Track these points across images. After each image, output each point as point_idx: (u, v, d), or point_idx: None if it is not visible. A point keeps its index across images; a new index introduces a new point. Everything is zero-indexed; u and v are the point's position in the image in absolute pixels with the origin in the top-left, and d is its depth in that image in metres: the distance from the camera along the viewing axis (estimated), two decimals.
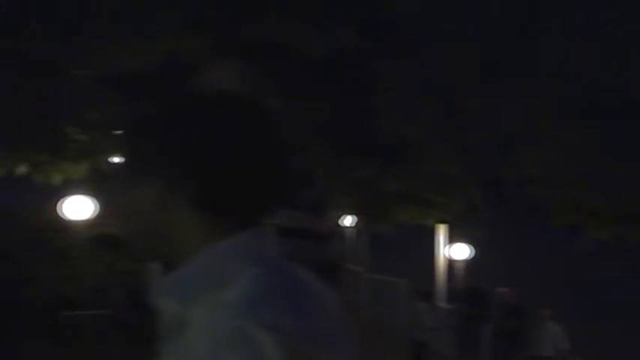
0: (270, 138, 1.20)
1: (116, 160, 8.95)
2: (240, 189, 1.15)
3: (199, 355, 1.05)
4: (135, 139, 1.19)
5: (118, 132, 8.46)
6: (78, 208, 12.24)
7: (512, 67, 10.31)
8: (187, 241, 1.15)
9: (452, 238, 16.67)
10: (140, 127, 1.19)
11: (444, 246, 16.58)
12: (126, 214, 1.23)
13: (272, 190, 1.20)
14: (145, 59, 8.34)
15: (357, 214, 20.44)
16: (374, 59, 11.26)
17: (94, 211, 12.41)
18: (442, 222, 15.99)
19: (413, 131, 11.95)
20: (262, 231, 1.18)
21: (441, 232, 16.44)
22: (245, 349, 1.01)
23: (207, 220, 1.14)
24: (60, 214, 12.41)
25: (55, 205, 12.37)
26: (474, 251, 17.11)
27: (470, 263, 17.30)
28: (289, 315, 1.05)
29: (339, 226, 23.83)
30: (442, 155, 12.32)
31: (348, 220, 24.44)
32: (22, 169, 8.07)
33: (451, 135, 11.76)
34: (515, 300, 13.40)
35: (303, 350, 1.03)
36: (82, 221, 12.45)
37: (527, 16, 10.36)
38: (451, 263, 16.99)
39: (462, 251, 16.98)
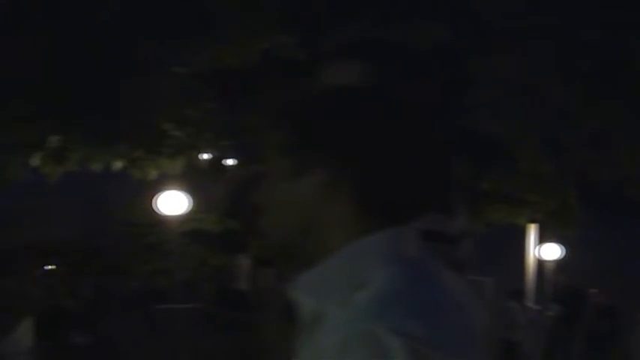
0: (436, 137, 1.17)
1: (208, 156, 9.07)
2: (404, 187, 1.13)
3: (328, 354, 1.03)
4: (303, 130, 1.15)
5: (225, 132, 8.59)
6: (172, 203, 12.48)
7: (608, 65, 10.05)
8: (333, 237, 1.12)
9: (542, 238, 16.34)
10: (309, 118, 1.15)
11: (535, 246, 16.27)
12: (271, 206, 1.20)
13: (432, 191, 1.18)
14: (241, 57, 8.43)
15: None
16: (468, 56, 11.15)
17: (188, 206, 12.63)
18: (533, 221, 15.68)
19: (507, 129, 11.78)
20: (405, 231, 1.15)
21: (532, 231, 16.13)
22: (372, 353, 0.99)
23: (361, 216, 1.11)
24: (154, 209, 12.67)
25: (150, 200, 12.64)
26: (564, 251, 16.74)
27: (560, 263, 16.94)
28: (421, 320, 1.02)
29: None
30: (536, 154, 12.09)
31: None
32: (118, 165, 8.22)
33: (545, 133, 11.54)
34: (607, 301, 13.07)
35: (432, 357, 1.00)
36: (176, 216, 12.68)
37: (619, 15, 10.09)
38: (541, 263, 16.66)
39: (552, 251, 16.62)
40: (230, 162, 15.95)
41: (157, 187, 11.86)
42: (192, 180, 12.39)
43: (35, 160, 7.97)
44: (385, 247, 1.11)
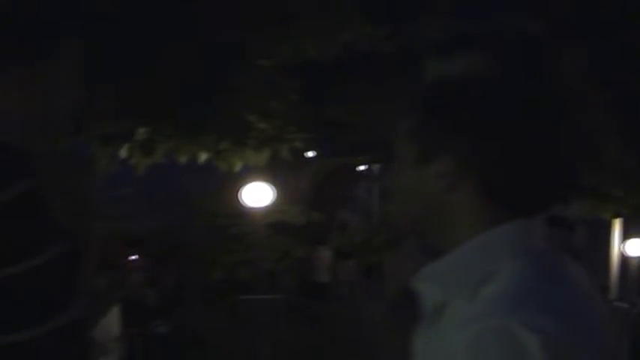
0: (566, 126, 1.13)
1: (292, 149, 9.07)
2: (535, 178, 1.10)
3: (453, 349, 1.02)
4: (433, 118, 1.13)
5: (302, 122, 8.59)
6: (257, 195, 12.57)
7: None
8: (460, 227, 1.11)
9: (627, 234, 15.91)
10: (440, 105, 1.13)
11: (620, 241, 15.84)
12: (397, 193, 1.21)
13: (562, 182, 1.13)
14: (325, 48, 8.40)
15: None
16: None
17: (272, 198, 12.71)
18: (618, 216, 15.26)
19: (591, 123, 11.43)
20: (532, 222, 1.12)
21: (617, 226, 15.71)
22: (507, 349, 0.97)
23: (488, 207, 1.09)
24: (239, 200, 12.80)
25: (235, 192, 12.78)
26: None
27: None
28: (554, 315, 1.00)
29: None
30: (622, 147, 11.71)
31: None
32: (203, 156, 8.28)
33: (631, 126, 11.17)
34: None
35: (566, 351, 0.98)
36: (260, 208, 12.77)
37: None
38: (625, 259, 16.23)
39: (637, 247, 16.16)
40: (313, 154, 15.99)
41: (242, 179, 11.96)
42: (276, 172, 12.46)
43: (123, 152, 8.09)
44: (513, 239, 1.09)
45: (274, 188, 12.69)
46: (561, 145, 1.12)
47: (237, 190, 12.73)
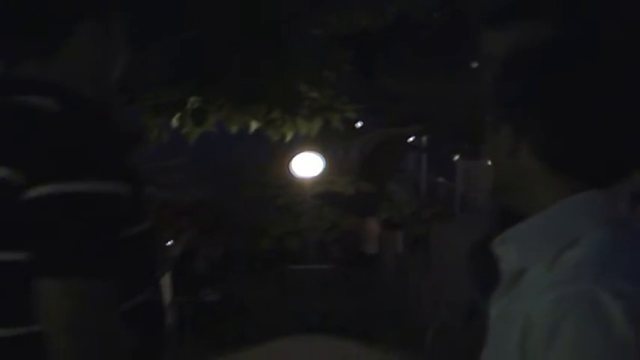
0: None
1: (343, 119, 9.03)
2: (597, 148, 1.09)
3: (532, 313, 1.02)
4: (499, 81, 1.16)
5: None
6: (307, 165, 12.55)
7: None
8: (533, 194, 1.13)
9: None
10: (501, 69, 1.16)
11: None
12: (488, 161, 1.23)
13: (634, 153, 1.13)
14: (377, 17, 8.34)
15: None
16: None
17: (322, 168, 12.68)
18: None
19: None
20: (612, 191, 1.12)
21: None
22: (589, 314, 0.97)
23: (553, 175, 1.11)
24: (289, 170, 12.80)
25: (284, 162, 12.78)
26: None
27: None
28: (636, 281, 1.00)
29: None
30: None
31: None
32: (254, 126, 8.28)
33: None
34: None
35: None
36: (310, 178, 12.75)
37: None
38: None
39: None
40: (363, 125, 15.91)
41: (292, 149, 11.95)
42: (326, 142, 12.40)
43: (174, 122, 8.13)
44: (594, 207, 1.10)
45: (324, 158, 12.66)
46: (628, 111, 1.09)
47: (287, 160, 12.72)
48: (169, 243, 13.59)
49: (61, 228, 1.28)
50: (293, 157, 12.63)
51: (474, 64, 10.11)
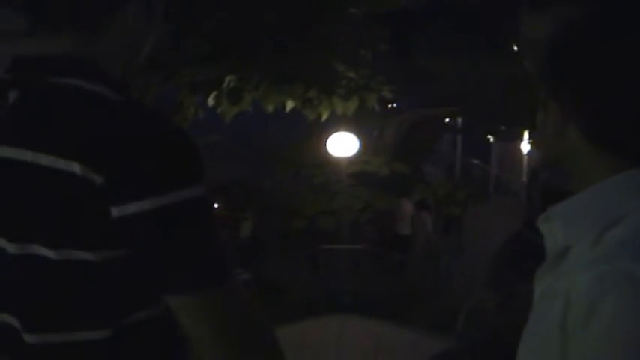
0: None
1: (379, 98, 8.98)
2: None
3: (573, 290, 0.99)
4: (545, 59, 1.13)
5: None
6: (342, 144, 12.53)
7: None
8: (579, 172, 1.11)
9: None
10: (547, 49, 1.12)
11: None
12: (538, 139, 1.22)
13: None
14: None
15: None
16: None
17: (357, 148, 12.65)
18: None
19: None
20: None
21: None
22: (628, 292, 0.95)
23: (599, 153, 1.08)
24: (324, 150, 12.78)
25: (320, 141, 12.75)
26: None
27: None
28: None
29: None
30: None
31: None
32: (290, 105, 8.26)
33: None
34: None
35: None
36: (345, 158, 12.73)
37: None
38: None
39: None
40: (399, 105, 15.84)
41: (327, 128, 11.93)
42: (362, 122, 12.37)
43: (210, 100, 8.13)
44: (639, 187, 1.07)
45: (359, 139, 12.62)
46: None
47: (323, 140, 12.70)
48: None
49: (204, 238, 1.24)
50: (328, 136, 12.60)
51: (513, 46, 9.99)
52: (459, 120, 19.54)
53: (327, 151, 12.79)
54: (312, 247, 12.86)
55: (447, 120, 18.95)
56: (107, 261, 1.20)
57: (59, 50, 1.28)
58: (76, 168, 1.15)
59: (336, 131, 12.34)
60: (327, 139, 12.57)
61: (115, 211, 1.16)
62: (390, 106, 15.39)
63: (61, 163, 1.16)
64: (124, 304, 1.27)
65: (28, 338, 1.26)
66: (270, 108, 8.33)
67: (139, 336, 1.29)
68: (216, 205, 14.47)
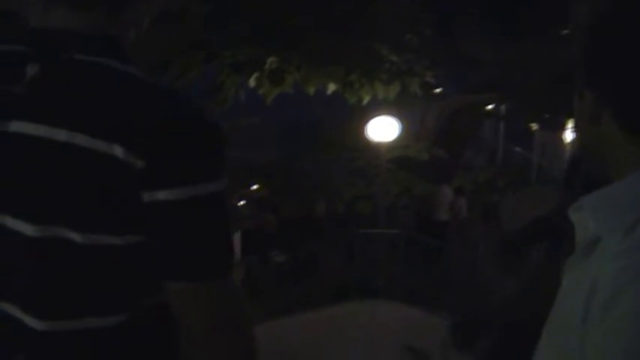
0: None
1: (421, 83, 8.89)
2: None
3: (598, 281, 0.98)
4: (581, 47, 1.12)
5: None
6: (383, 129, 12.46)
7: None
8: (614, 161, 1.10)
9: None
10: (584, 35, 1.13)
11: None
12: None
13: None
14: None
15: None
16: None
17: (398, 133, 12.57)
18: None
19: None
20: None
21: None
22: None
23: (634, 142, 1.06)
24: (365, 134, 12.73)
25: (360, 125, 12.70)
26: None
27: None
28: None
29: None
30: None
31: None
32: (332, 88, 8.22)
33: None
34: None
35: None
36: (385, 142, 12.66)
37: None
38: None
39: None
40: (443, 91, 15.70)
41: (368, 112, 11.86)
42: (404, 106, 12.27)
43: (251, 81, 8.13)
44: None
45: (400, 123, 12.53)
46: None
47: (363, 124, 12.64)
48: (241, 202, 13.72)
49: (220, 228, 1.25)
50: (369, 120, 12.53)
51: (559, 33, 9.83)
52: (502, 107, 19.33)
53: (367, 135, 12.73)
54: (348, 231, 12.84)
55: (490, 106, 18.76)
56: (130, 246, 1.20)
57: (81, 26, 1.25)
58: (117, 151, 1.13)
59: (377, 115, 12.27)
60: (367, 122, 12.50)
61: (146, 197, 1.16)
62: (433, 91, 15.29)
63: (100, 145, 1.14)
64: (139, 289, 1.27)
65: (38, 326, 1.24)
66: (311, 90, 8.30)
67: (150, 322, 1.29)
68: (256, 187, 14.52)
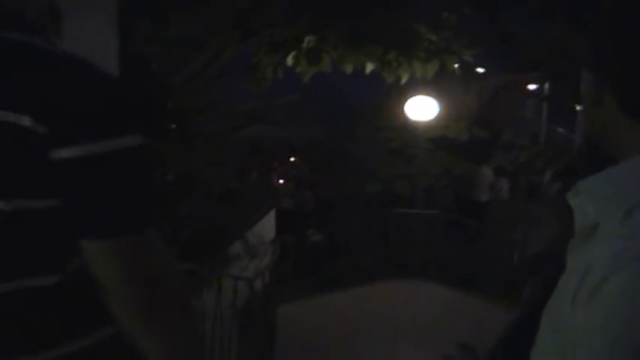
0: None
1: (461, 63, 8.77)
2: None
3: (592, 263, 0.99)
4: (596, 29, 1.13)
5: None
6: (421, 108, 12.38)
7: None
8: (617, 145, 1.10)
9: None
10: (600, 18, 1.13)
11: None
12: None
13: None
14: None
15: None
16: None
17: (437, 113, 12.49)
18: None
19: None
20: None
21: None
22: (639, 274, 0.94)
23: (634, 127, 1.06)
24: (403, 113, 12.66)
25: (399, 104, 12.63)
26: None
27: None
28: None
29: None
30: None
31: None
32: (370, 67, 8.17)
33: None
34: None
35: None
36: (424, 122, 12.59)
37: None
38: None
39: None
40: (483, 70, 15.52)
41: (407, 91, 11.79)
42: (442, 86, 12.18)
43: (289, 60, 8.12)
44: None
45: (439, 103, 12.44)
46: None
47: (402, 103, 12.57)
48: (280, 181, 13.77)
49: (132, 184, 1.27)
50: (407, 99, 12.46)
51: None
52: (546, 86, 19.10)
53: (405, 115, 12.66)
54: (387, 210, 12.82)
55: (532, 86, 18.56)
56: (49, 209, 1.24)
57: None
58: (26, 121, 1.16)
59: (415, 94, 12.19)
60: (405, 102, 12.43)
61: (53, 157, 1.20)
62: (474, 70, 15.13)
63: (11, 117, 1.19)
64: (65, 252, 1.30)
65: None
66: (348, 69, 8.27)
67: (81, 283, 1.32)
68: (295, 166, 14.55)
